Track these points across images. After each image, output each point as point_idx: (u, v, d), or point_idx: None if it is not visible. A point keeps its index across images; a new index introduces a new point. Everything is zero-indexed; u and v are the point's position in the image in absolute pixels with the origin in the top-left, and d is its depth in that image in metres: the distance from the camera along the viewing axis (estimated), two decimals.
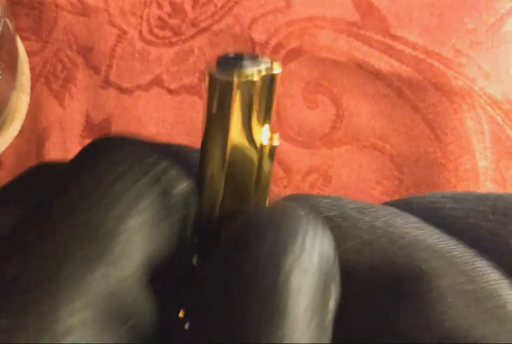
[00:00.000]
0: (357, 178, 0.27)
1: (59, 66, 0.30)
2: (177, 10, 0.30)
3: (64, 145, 0.30)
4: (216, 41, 0.30)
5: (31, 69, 0.30)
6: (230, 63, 0.12)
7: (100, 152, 0.12)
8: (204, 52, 0.30)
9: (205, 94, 0.12)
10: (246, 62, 0.12)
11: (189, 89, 0.30)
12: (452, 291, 0.12)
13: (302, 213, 0.12)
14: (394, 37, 0.27)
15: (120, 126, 0.30)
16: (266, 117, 0.13)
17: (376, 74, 0.27)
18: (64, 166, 0.13)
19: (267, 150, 0.13)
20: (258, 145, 0.13)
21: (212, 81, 0.12)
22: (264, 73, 0.12)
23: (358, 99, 0.27)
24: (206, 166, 0.13)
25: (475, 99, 0.26)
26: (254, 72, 0.12)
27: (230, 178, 0.13)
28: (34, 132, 0.30)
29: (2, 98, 0.28)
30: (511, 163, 0.26)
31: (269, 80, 0.12)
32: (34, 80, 0.30)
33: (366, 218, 0.14)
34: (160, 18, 0.30)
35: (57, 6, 0.30)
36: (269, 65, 0.12)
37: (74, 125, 0.30)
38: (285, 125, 0.28)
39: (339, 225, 0.13)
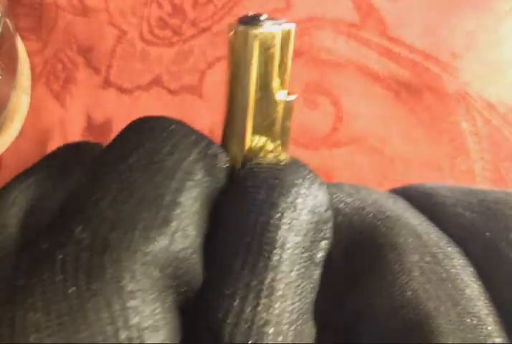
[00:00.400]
0: (358, 180, 0.27)
1: (60, 66, 0.30)
2: (177, 10, 0.30)
3: None
4: (216, 41, 0.30)
5: (32, 69, 0.30)
6: (251, 20, 0.13)
7: (143, 131, 0.13)
8: (204, 52, 0.30)
9: (228, 54, 0.13)
10: (264, 18, 0.13)
11: (189, 89, 0.30)
12: (418, 267, 0.13)
13: (302, 170, 0.13)
14: (392, 39, 0.27)
15: (121, 126, 0.30)
16: (284, 73, 0.14)
17: (375, 77, 0.27)
18: (107, 144, 0.13)
19: (285, 105, 0.14)
20: (277, 99, 0.14)
21: (236, 35, 0.13)
22: (281, 28, 0.13)
23: (357, 101, 0.27)
24: (231, 121, 0.14)
25: (470, 103, 0.27)
26: (272, 26, 0.13)
27: (253, 131, 0.14)
28: (36, 132, 0.30)
29: (2, 98, 0.28)
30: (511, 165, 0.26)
31: (286, 36, 0.14)
32: (35, 80, 0.30)
33: (361, 192, 0.15)
34: (160, 18, 0.30)
35: (57, 6, 0.30)
36: (284, 22, 0.14)
37: (76, 126, 0.30)
38: None
39: (335, 193, 0.14)
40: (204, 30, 0.30)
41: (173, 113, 0.29)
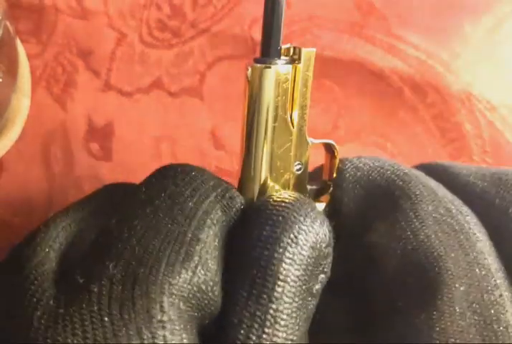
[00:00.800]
0: None
1: (60, 69, 0.30)
2: (176, 12, 0.30)
3: (70, 149, 0.30)
4: (216, 42, 0.30)
5: (31, 73, 0.30)
6: (266, 59, 0.15)
7: (167, 177, 0.14)
8: (203, 54, 0.30)
9: (245, 91, 0.15)
10: (275, 60, 0.15)
11: (190, 91, 0.30)
12: (431, 216, 0.14)
13: (306, 208, 0.14)
14: (396, 37, 0.27)
15: (123, 130, 0.29)
16: (294, 102, 0.16)
17: (379, 74, 0.27)
18: (135, 187, 0.15)
19: (299, 130, 0.16)
20: (292, 130, 0.16)
21: (252, 72, 0.15)
22: (292, 65, 0.16)
23: (360, 98, 0.27)
24: (247, 153, 0.16)
25: (474, 104, 0.27)
26: (285, 63, 0.16)
27: (271, 152, 0.16)
28: (37, 135, 0.30)
29: (3, 101, 0.28)
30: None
31: (293, 73, 0.16)
32: (35, 83, 0.30)
33: (381, 159, 0.17)
34: (159, 20, 0.30)
35: (56, 9, 0.30)
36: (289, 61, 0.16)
37: (77, 129, 0.30)
38: None
39: (356, 158, 0.17)
40: (204, 31, 0.30)
41: (174, 116, 0.29)
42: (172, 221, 0.13)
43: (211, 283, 0.12)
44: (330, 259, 0.14)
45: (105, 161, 0.29)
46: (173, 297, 0.11)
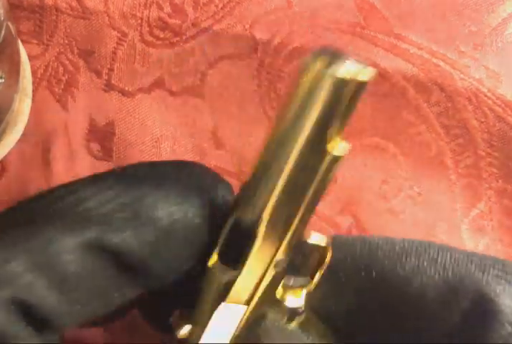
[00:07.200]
0: (362, 178, 0.27)
1: (61, 69, 0.30)
2: (178, 10, 0.30)
3: (70, 149, 0.30)
4: (217, 41, 0.29)
5: (33, 73, 0.30)
6: (332, 56, 0.11)
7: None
8: (205, 53, 0.30)
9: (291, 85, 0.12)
10: (348, 60, 0.11)
11: (191, 91, 0.29)
12: None
13: None
14: (398, 37, 0.27)
15: (124, 129, 0.29)
16: (342, 124, 0.13)
17: (382, 74, 0.27)
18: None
19: (332, 159, 0.13)
20: (327, 151, 0.13)
21: (309, 71, 0.11)
22: (359, 77, 0.12)
23: (362, 99, 0.27)
24: (267, 161, 0.13)
25: (482, 100, 0.26)
26: (353, 72, 0.11)
27: (289, 181, 0.13)
28: (38, 135, 0.30)
29: (5, 101, 0.28)
30: None
31: (360, 86, 0.12)
32: (36, 84, 0.30)
33: None
34: (160, 18, 0.30)
35: (57, 9, 0.30)
36: (362, 69, 0.12)
37: (79, 129, 0.30)
38: None
39: None
40: (205, 30, 0.29)
41: (175, 115, 0.29)
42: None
43: None
44: None
45: (105, 161, 0.29)
46: None
